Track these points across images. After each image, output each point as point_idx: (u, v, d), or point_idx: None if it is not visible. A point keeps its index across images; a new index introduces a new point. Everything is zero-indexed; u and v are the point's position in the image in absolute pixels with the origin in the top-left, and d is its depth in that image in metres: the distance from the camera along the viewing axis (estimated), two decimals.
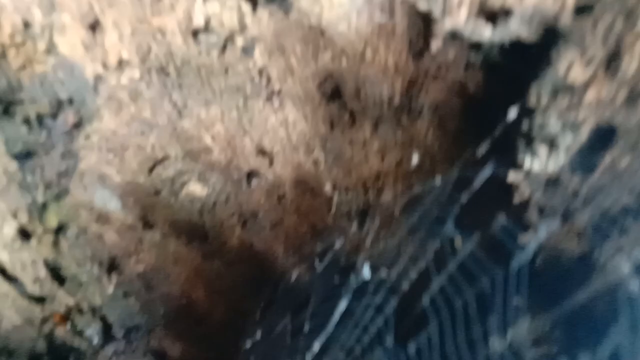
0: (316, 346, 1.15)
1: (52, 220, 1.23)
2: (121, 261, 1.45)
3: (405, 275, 0.99)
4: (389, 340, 1.01)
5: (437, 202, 0.95)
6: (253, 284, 1.79)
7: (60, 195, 1.23)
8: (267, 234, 1.75)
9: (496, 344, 0.83)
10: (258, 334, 1.41)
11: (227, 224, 1.67)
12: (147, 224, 1.53)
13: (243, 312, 1.76)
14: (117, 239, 1.47)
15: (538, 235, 0.85)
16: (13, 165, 1.12)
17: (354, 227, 1.58)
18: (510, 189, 0.94)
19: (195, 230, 1.64)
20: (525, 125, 0.92)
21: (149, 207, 1.52)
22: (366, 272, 1.10)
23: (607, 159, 0.88)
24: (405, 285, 0.99)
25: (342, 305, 1.11)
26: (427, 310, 0.93)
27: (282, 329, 1.33)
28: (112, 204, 1.42)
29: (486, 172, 0.85)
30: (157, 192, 1.51)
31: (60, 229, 1.26)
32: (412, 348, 0.97)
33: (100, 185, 1.37)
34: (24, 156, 1.10)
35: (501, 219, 0.83)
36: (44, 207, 1.20)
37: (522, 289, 0.78)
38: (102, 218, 1.42)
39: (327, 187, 1.60)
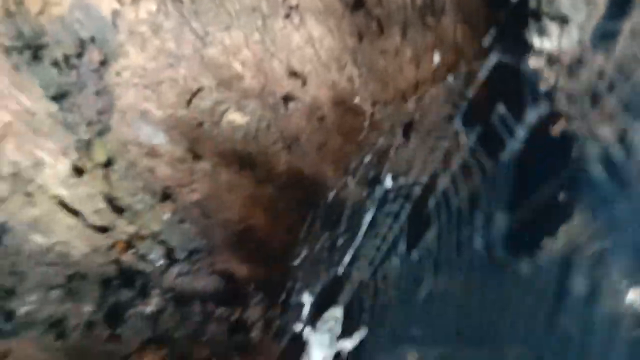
0: (347, 258, 1.18)
1: (100, 156, 1.33)
2: (175, 191, 1.54)
3: (419, 180, 0.96)
4: (402, 247, 1.01)
5: (448, 100, 0.89)
6: (307, 207, 1.82)
7: (103, 132, 1.32)
8: (313, 157, 1.76)
9: (478, 242, 0.80)
10: (304, 252, 1.47)
11: (273, 150, 1.70)
12: (196, 156, 1.60)
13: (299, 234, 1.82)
14: (169, 171, 1.56)
15: (527, 121, 0.77)
16: (53, 107, 1.22)
17: (399, 140, 1.55)
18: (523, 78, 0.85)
19: (243, 159, 1.69)
20: (533, 3, 0.83)
21: (195, 139, 1.58)
22: (388, 181, 1.09)
23: (626, 28, 0.76)
24: (417, 191, 0.97)
25: (368, 217, 1.11)
26: (431, 214, 0.91)
27: (321, 245, 1.36)
28: (158, 139, 1.50)
29: (492, 60, 0.78)
30: (199, 124, 1.57)
31: (109, 164, 1.36)
32: (415, 254, 0.96)
33: (144, 121, 1.45)
34: (60, 97, 1.19)
35: (500, 108, 0.77)
36: (89, 144, 1.30)
37: (508, 180, 0.73)
38: (152, 153, 1.51)
39: (366, 104, 1.56)
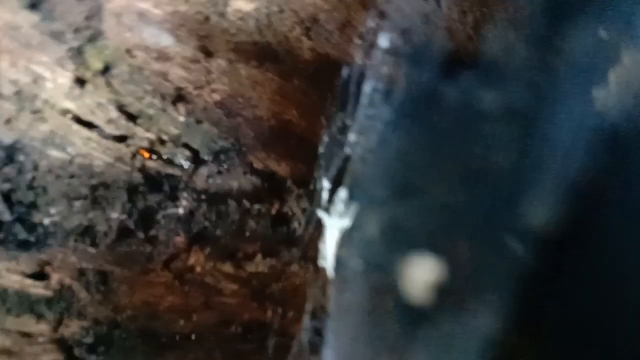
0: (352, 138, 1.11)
1: (96, 64, 1.29)
2: (191, 93, 1.49)
3: None
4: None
5: None
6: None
7: (94, 38, 1.27)
8: (336, 38, 1.60)
9: None
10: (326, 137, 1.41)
11: (292, 37, 1.57)
12: (209, 54, 1.52)
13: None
14: (183, 74, 1.50)
15: None
16: (35, 18, 1.17)
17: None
18: None
19: (262, 51, 1.58)
20: None
21: (204, 36, 1.48)
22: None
23: None
24: None
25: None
26: None
27: (336, 127, 1.31)
28: (164, 40, 1.43)
29: None
30: (206, 19, 1.46)
31: (107, 70, 1.32)
32: None
33: (144, 23, 1.37)
34: (37, 4, 1.14)
35: None
36: (80, 51, 1.26)
37: None
38: (161, 56, 1.45)
39: None
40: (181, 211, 1.50)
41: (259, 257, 1.65)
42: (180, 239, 1.55)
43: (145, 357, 1.38)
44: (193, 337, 1.52)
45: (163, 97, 1.44)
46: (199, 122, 1.52)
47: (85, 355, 1.29)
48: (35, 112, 1.25)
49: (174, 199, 1.50)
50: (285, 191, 1.72)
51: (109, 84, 1.32)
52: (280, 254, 1.71)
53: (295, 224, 1.72)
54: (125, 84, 1.35)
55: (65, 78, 1.26)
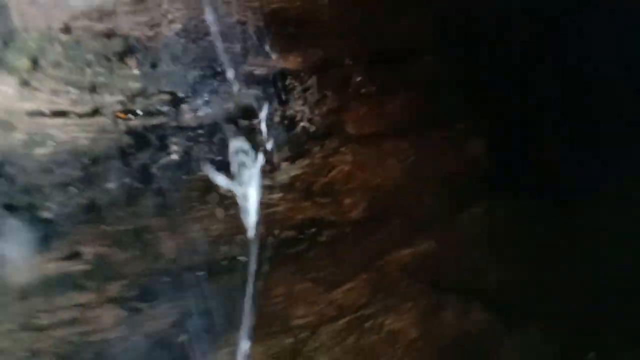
0: None
1: (23, 63, 1.26)
2: (142, 37, 1.43)
3: None
4: None
5: None
6: None
7: (10, 39, 1.22)
8: None
9: None
10: None
11: None
12: None
13: None
14: (133, 19, 1.41)
15: None
16: None
17: None
18: None
19: None
20: None
21: None
22: None
23: None
24: None
25: None
26: None
27: None
28: None
29: None
30: None
31: (37, 62, 1.29)
32: None
33: None
34: None
35: None
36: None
37: None
38: (102, 13, 1.37)
39: None
40: (175, 157, 1.55)
41: (285, 164, 1.66)
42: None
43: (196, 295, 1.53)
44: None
45: (107, 59, 1.41)
46: (154, 65, 1.48)
47: (138, 304, 1.49)
48: (2, 124, 1.30)
49: (164, 147, 1.54)
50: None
51: (47, 73, 1.32)
52: (310, 151, 1.70)
53: (305, 123, 1.70)
54: (63, 65, 1.34)
55: (7, 86, 1.28)
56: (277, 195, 1.62)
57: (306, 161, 1.69)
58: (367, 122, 1.72)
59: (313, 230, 1.63)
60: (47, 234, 1.37)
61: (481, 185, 1.72)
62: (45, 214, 1.36)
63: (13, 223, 1.30)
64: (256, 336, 1.50)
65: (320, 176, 1.72)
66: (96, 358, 1.38)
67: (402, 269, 1.73)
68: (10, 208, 1.31)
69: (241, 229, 1.56)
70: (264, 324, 1.53)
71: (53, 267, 1.40)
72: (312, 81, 1.70)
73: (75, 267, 1.43)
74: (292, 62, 1.64)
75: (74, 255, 1.44)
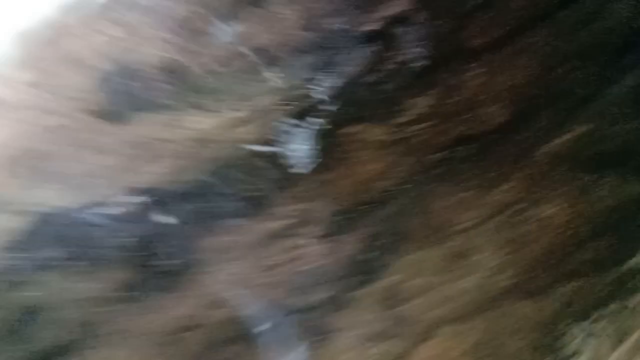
0: None
1: None
2: None
3: None
4: None
5: None
6: None
7: None
8: None
9: None
10: None
11: None
12: None
13: None
14: None
15: None
16: None
17: None
18: None
19: None
20: None
21: None
22: None
23: None
24: None
25: None
26: None
27: None
28: None
29: None
30: None
31: None
32: None
33: None
34: None
35: None
36: None
37: None
38: None
39: None
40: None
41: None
42: None
43: None
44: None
45: None
46: None
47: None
48: None
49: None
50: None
51: None
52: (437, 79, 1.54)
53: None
54: None
55: None
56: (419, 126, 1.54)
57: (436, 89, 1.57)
58: (487, 32, 1.51)
59: (459, 148, 1.57)
60: None
61: (630, 54, 1.43)
62: None
63: None
64: (424, 245, 1.59)
65: (454, 97, 1.60)
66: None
67: (554, 157, 1.60)
68: None
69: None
70: (429, 234, 1.60)
71: None
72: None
73: None
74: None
75: None
